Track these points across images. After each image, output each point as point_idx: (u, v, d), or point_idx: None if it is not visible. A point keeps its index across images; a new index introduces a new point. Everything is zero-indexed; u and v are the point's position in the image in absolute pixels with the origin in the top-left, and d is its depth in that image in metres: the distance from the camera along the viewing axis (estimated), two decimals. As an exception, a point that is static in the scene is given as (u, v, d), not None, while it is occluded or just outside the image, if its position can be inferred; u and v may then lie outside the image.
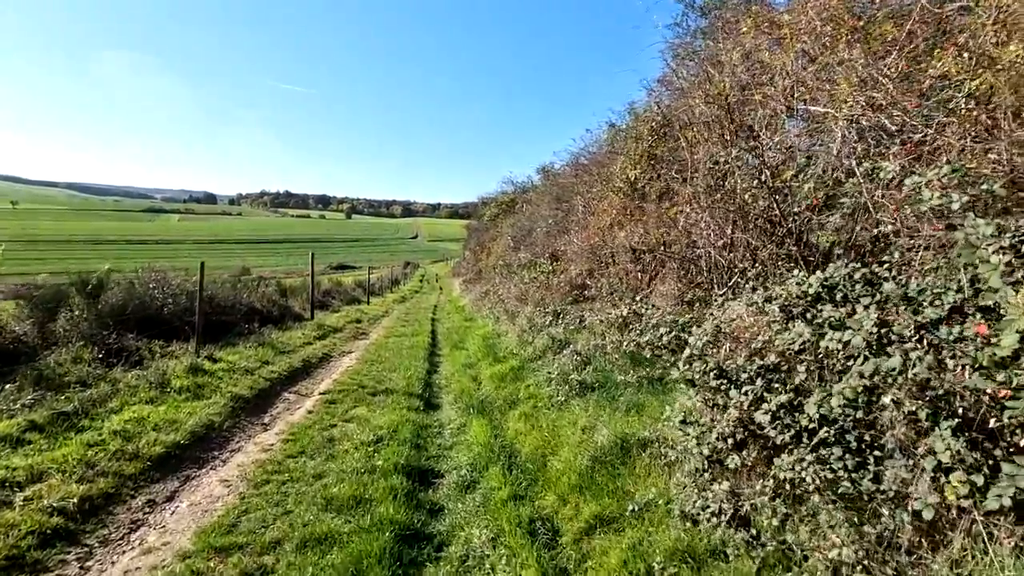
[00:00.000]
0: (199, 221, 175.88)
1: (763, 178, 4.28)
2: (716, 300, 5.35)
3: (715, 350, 3.38)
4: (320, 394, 6.49)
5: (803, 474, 2.40)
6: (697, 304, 5.83)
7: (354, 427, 5.01)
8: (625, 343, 5.06)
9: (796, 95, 4.42)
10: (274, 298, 13.39)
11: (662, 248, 6.88)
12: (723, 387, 2.93)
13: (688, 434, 3.00)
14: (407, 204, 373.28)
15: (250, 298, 12.24)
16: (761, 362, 3.01)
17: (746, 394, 2.82)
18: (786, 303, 3.20)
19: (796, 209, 4.22)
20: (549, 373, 5.59)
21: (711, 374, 2.99)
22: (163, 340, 8.07)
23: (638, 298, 7.05)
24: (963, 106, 3.20)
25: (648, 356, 4.93)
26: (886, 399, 2.30)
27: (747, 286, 4.80)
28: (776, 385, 2.85)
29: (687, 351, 3.20)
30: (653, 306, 5.30)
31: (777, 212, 4.34)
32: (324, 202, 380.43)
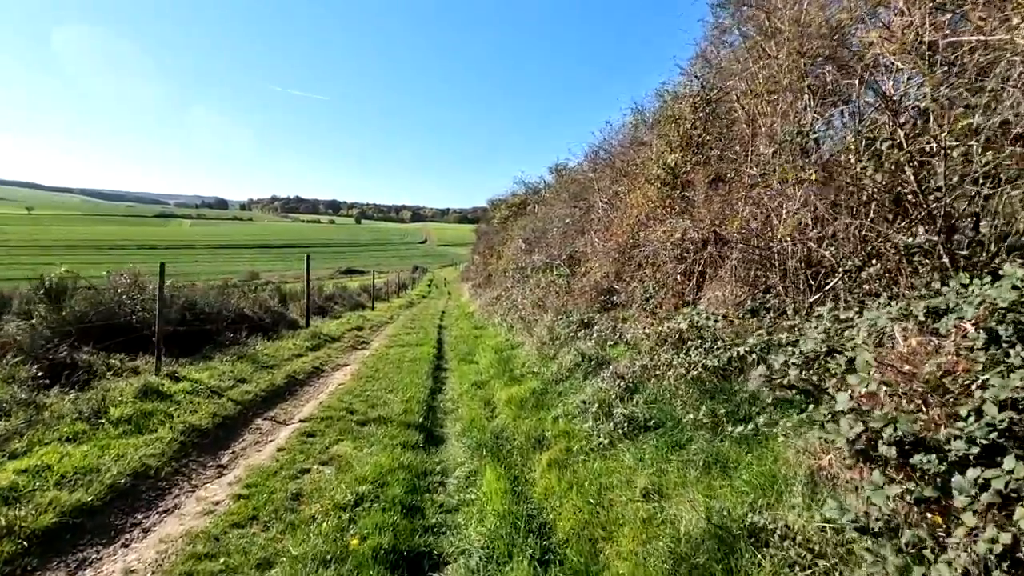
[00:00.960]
0: (210, 226, 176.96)
1: (896, 139, 3.06)
2: (802, 310, 4.13)
3: (867, 397, 2.15)
4: (300, 422, 5.33)
5: None
6: (767, 314, 4.60)
7: (331, 474, 3.83)
8: (686, 366, 3.84)
9: (935, 26, 3.18)
10: (268, 304, 12.31)
11: (716, 245, 5.65)
12: (933, 473, 1.69)
13: (877, 550, 1.75)
14: (416, 209, 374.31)
15: (240, 304, 11.19)
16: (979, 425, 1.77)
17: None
18: (993, 319, 1.98)
19: (942, 183, 2.98)
20: (584, 402, 4.38)
21: (895, 447, 1.76)
22: (128, 353, 6.98)
23: (684, 306, 5.85)
24: None
25: (719, 384, 3.71)
26: None
27: (853, 292, 3.57)
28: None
29: (838, 403, 1.98)
30: (723, 317, 4.07)
31: (912, 187, 3.11)
32: (334, 207, 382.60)
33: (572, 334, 6.58)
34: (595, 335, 6.09)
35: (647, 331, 4.76)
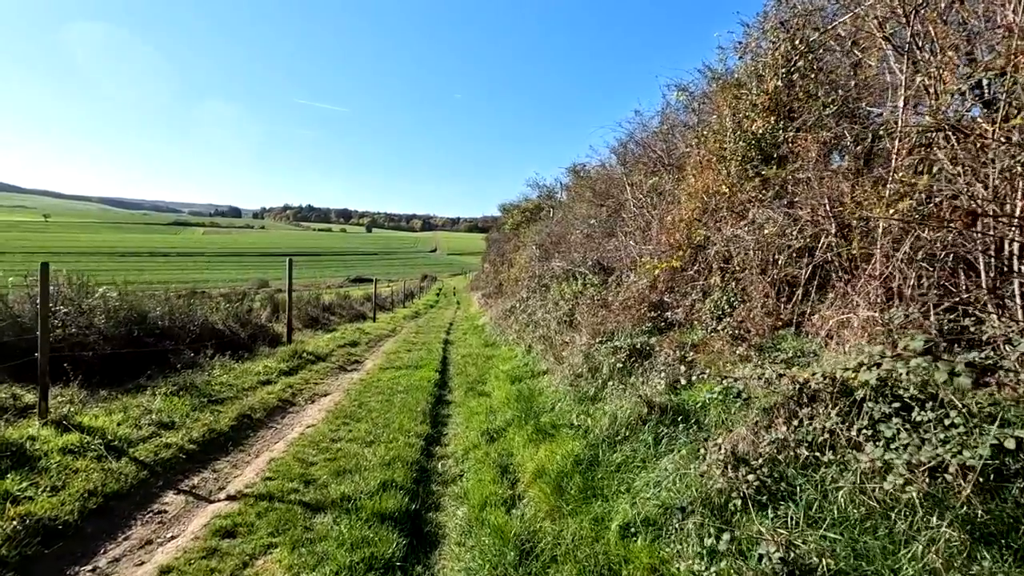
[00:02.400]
0: (222, 234, 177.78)
1: None
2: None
3: None
4: (227, 500, 3.58)
5: None
6: (957, 345, 2.77)
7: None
8: (902, 464, 2.03)
9: None
10: (246, 317, 10.64)
11: (842, 239, 3.83)
12: None
13: None
14: (427, 218, 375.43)
15: (211, 316, 9.53)
16: None
17: None
18: None
19: None
20: (674, 492, 2.57)
21: None
22: (30, 383, 5.29)
23: (783, 327, 4.05)
24: None
25: (987, 506, 1.88)
26: None
27: None
28: None
29: None
30: (894, 356, 2.25)
31: None
32: (346, 216, 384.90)
33: (621, 365, 4.76)
34: (659, 370, 4.27)
35: (766, 374, 2.93)
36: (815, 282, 4.37)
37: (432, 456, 4.63)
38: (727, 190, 5.18)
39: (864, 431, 2.21)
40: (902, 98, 3.53)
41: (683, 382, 4.02)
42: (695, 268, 6.18)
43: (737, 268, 5.21)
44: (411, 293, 38.78)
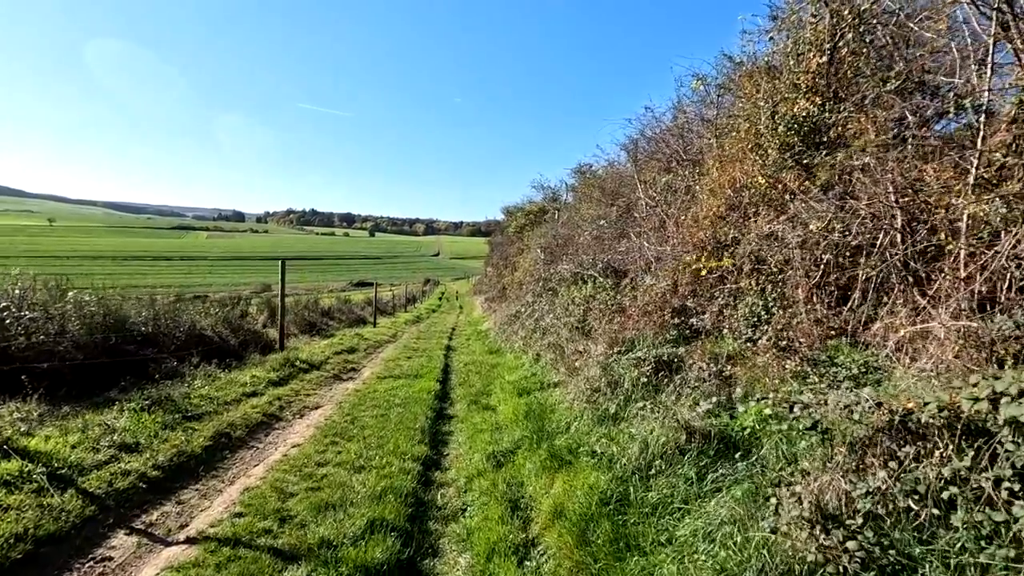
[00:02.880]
0: (226, 238, 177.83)
1: None
2: None
3: None
4: (185, 543, 3.01)
5: None
6: None
7: None
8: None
9: None
10: (238, 322, 10.10)
11: (909, 236, 3.25)
12: None
13: None
14: (430, 222, 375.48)
15: (200, 321, 9.01)
16: None
17: None
18: None
19: None
20: (734, 551, 2.00)
21: None
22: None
23: (836, 335, 3.49)
24: None
25: None
26: None
27: None
28: None
29: None
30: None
31: None
32: (349, 220, 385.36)
33: (645, 379, 4.18)
34: (693, 386, 3.68)
35: (846, 399, 2.34)
36: (872, 284, 3.78)
37: (431, 483, 4.05)
38: (763, 182, 4.59)
39: (1009, 483, 1.63)
40: (989, 66, 2.96)
41: (723, 402, 3.43)
42: (722, 269, 5.60)
43: (774, 269, 4.63)
44: (413, 297, 38.23)
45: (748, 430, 2.98)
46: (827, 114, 4.01)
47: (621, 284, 7.96)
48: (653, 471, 2.99)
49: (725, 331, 4.94)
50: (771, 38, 5.44)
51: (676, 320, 5.38)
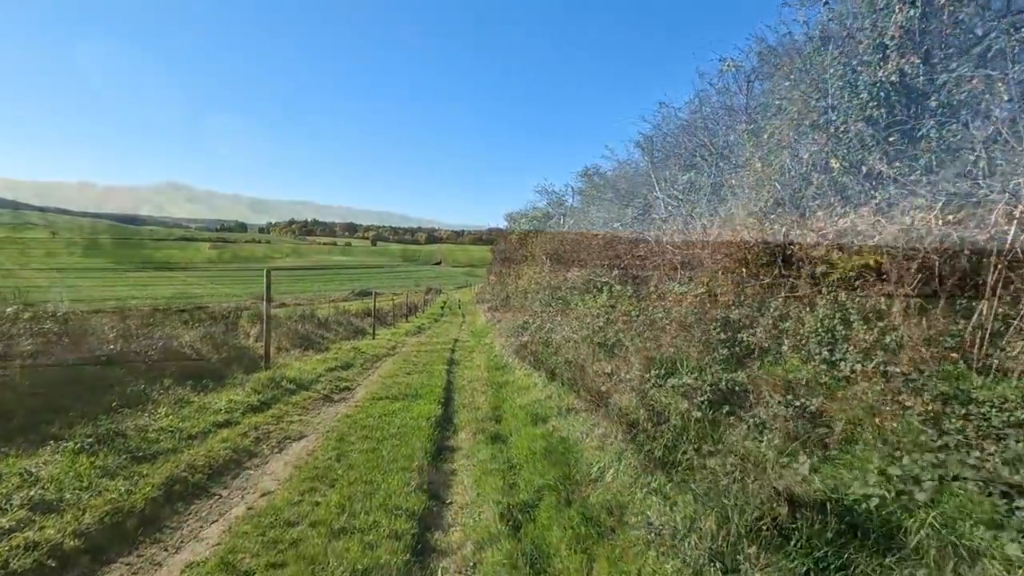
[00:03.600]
0: (228, 249, 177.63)
1: None
2: None
3: None
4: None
5: None
6: None
7: None
8: None
9: None
10: (221, 337, 9.26)
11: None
12: None
13: None
14: (432, 231, 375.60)
15: (183, 337, 8.21)
16: None
17: None
18: None
19: None
20: None
21: None
22: None
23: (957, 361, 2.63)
24: None
25: None
26: None
27: None
28: None
29: None
30: None
31: None
32: (351, 230, 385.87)
33: (699, 414, 3.31)
34: (774, 429, 2.81)
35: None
36: (996, 290, 2.92)
37: (428, 552, 3.18)
38: (836, 165, 3.74)
39: None
40: None
41: (819, 452, 2.56)
42: (774, 274, 4.74)
43: (851, 273, 3.76)
44: (415, 306, 37.34)
45: (875, 501, 2.10)
46: (934, 75, 3.18)
47: (642, 292, 7.12)
48: (742, 559, 2.11)
49: (785, 348, 4.08)
50: (826, 2, 4.63)
51: (723, 335, 4.51)
